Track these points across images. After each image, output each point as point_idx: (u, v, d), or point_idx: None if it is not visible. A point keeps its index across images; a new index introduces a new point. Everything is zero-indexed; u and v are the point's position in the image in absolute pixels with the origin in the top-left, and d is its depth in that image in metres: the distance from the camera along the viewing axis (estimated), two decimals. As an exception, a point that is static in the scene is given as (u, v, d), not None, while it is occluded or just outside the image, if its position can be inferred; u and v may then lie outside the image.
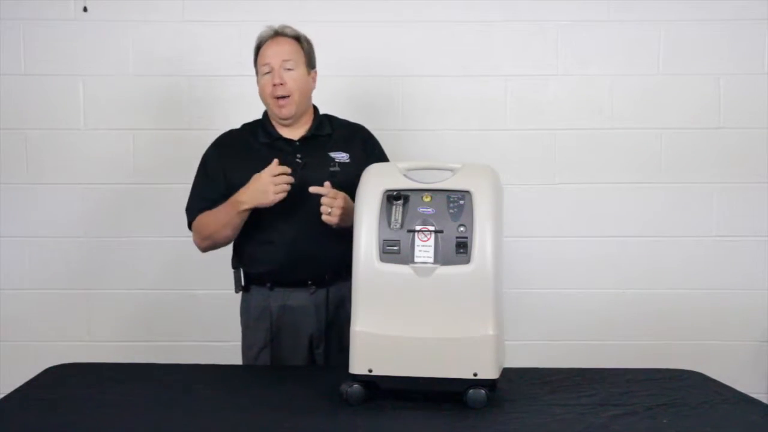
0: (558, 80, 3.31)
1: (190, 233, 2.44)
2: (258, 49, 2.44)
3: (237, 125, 2.52)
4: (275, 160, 2.24)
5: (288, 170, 2.23)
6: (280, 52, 2.39)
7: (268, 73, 2.38)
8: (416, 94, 3.30)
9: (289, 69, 2.38)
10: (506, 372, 1.95)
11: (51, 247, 3.30)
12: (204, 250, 2.45)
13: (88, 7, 3.24)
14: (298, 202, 2.27)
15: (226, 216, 2.32)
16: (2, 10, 3.25)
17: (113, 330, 3.31)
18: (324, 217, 2.21)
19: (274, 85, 2.36)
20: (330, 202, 2.21)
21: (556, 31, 3.29)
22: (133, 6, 3.27)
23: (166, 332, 3.30)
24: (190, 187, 2.46)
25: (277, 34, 2.43)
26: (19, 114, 3.28)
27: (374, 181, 1.93)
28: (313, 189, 2.22)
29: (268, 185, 2.21)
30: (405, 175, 1.94)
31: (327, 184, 2.23)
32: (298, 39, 2.43)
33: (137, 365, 2.31)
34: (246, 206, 2.26)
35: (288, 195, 2.25)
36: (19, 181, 3.29)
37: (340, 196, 2.21)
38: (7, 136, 3.29)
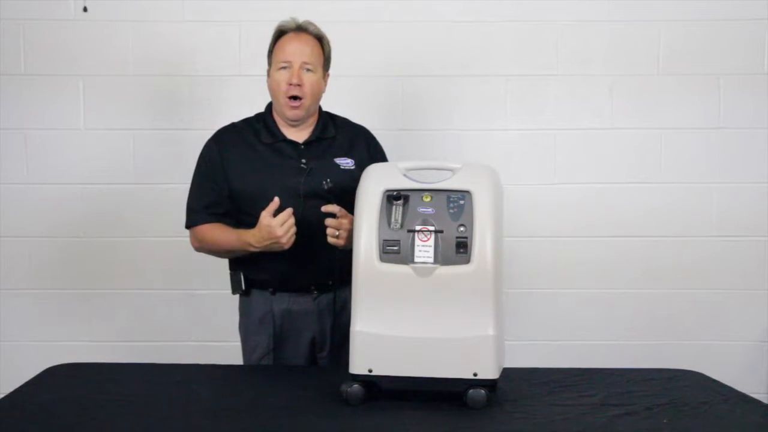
0: (558, 80, 3.31)
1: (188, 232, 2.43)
2: (276, 39, 2.36)
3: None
4: (276, 200, 2.16)
5: (290, 212, 2.16)
6: (302, 52, 2.32)
7: (285, 68, 2.32)
8: (416, 94, 3.30)
9: (308, 70, 2.32)
10: (506, 372, 1.95)
11: (51, 247, 3.30)
12: (198, 251, 2.43)
13: (88, 7, 3.24)
14: (299, 208, 2.25)
15: (231, 246, 2.30)
16: (2, 10, 3.25)
17: (113, 330, 3.31)
18: (330, 240, 2.18)
19: (291, 84, 2.31)
20: (337, 224, 2.18)
21: (556, 31, 3.29)
22: (133, 6, 3.27)
23: (166, 332, 3.30)
24: (189, 187, 2.44)
25: (300, 29, 2.36)
26: (19, 114, 3.28)
27: (374, 181, 1.93)
28: (325, 208, 2.19)
29: (278, 237, 2.15)
30: (405, 175, 1.93)
31: (336, 207, 2.20)
32: (321, 40, 2.37)
33: (137, 365, 2.30)
34: (256, 251, 2.23)
35: (292, 202, 2.24)
36: (19, 181, 3.29)
37: (348, 219, 2.16)
38: (7, 136, 3.29)
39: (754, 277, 3.33)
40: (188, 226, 2.41)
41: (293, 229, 2.17)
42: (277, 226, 2.15)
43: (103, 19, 3.26)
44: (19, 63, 3.27)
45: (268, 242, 2.19)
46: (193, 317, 3.31)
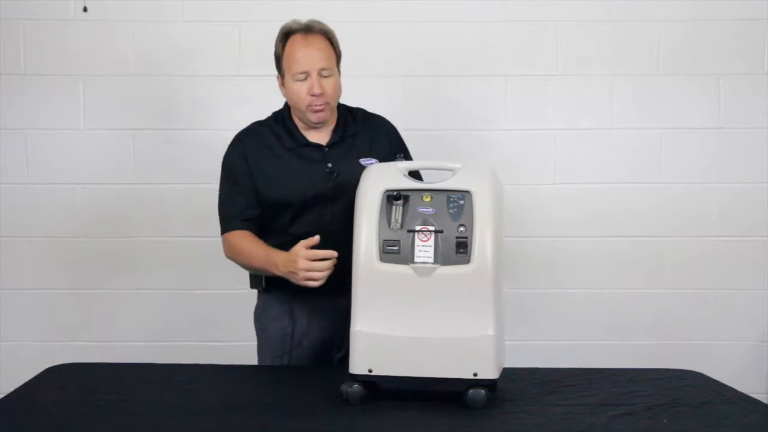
0: (558, 80, 3.31)
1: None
2: (284, 42, 2.28)
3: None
4: (316, 238, 2.07)
5: (331, 254, 2.06)
6: (317, 58, 2.24)
7: (303, 80, 2.24)
8: (416, 94, 3.30)
9: (326, 76, 2.25)
10: (506, 372, 1.94)
11: (51, 247, 3.30)
12: (229, 259, 2.36)
13: (88, 7, 3.25)
14: (328, 212, 2.23)
15: (257, 261, 2.24)
16: (2, 10, 3.25)
17: (113, 330, 3.31)
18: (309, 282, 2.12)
19: (313, 95, 2.23)
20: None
21: (556, 31, 3.30)
22: (133, 6, 3.27)
23: (166, 332, 3.30)
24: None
25: (309, 30, 2.27)
26: (19, 114, 3.28)
27: (374, 181, 1.93)
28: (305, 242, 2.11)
29: (296, 270, 2.08)
30: (405, 175, 1.94)
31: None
32: (330, 38, 2.29)
33: (137, 365, 2.30)
34: (278, 274, 2.17)
35: (320, 209, 2.21)
36: (19, 181, 3.29)
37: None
38: (7, 136, 3.29)
39: (754, 277, 3.33)
40: (223, 232, 2.34)
41: (317, 274, 2.08)
42: (302, 258, 2.07)
43: (103, 19, 3.26)
44: (19, 63, 3.27)
45: (289, 269, 2.12)
46: (193, 317, 3.31)
